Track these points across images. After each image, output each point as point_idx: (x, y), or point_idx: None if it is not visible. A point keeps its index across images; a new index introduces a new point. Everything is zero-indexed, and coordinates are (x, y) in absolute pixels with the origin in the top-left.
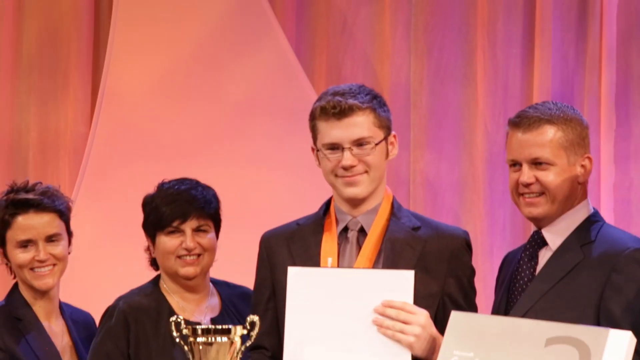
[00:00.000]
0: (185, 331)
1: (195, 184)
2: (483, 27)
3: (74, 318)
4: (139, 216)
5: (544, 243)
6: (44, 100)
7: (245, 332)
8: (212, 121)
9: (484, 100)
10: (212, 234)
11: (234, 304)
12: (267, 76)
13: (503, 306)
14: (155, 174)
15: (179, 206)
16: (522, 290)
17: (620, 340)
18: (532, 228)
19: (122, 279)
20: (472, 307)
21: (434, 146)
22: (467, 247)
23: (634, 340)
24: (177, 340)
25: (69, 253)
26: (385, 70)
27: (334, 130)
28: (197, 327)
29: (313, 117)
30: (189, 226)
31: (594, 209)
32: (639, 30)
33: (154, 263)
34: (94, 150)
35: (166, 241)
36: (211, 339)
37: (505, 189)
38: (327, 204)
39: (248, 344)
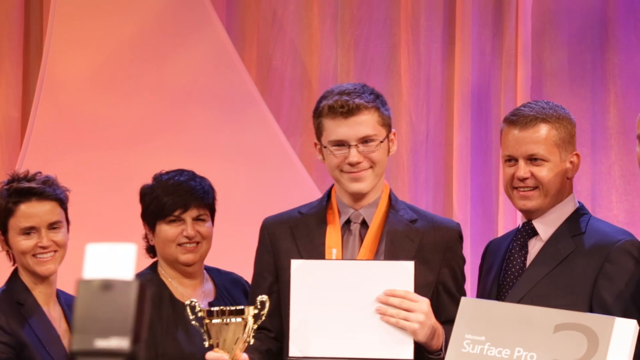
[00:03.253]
0: (200, 313)
1: (193, 175)
2: (407, 22)
3: (69, 304)
4: (79, 206)
5: (534, 233)
6: None
7: (256, 311)
8: (151, 112)
9: (407, 91)
10: (209, 223)
11: (227, 289)
12: (206, 67)
13: (494, 293)
14: (95, 165)
15: (180, 196)
16: (514, 278)
17: (626, 328)
18: (456, 214)
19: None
20: (462, 293)
21: None
22: (460, 238)
23: (638, 328)
24: (193, 322)
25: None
26: (314, 61)
27: (341, 128)
28: (212, 309)
29: (319, 115)
30: (189, 215)
31: (579, 202)
32: (551, 29)
33: (150, 250)
34: (32, 139)
35: (167, 229)
36: (226, 320)
37: (428, 176)
38: (329, 195)
39: (259, 322)
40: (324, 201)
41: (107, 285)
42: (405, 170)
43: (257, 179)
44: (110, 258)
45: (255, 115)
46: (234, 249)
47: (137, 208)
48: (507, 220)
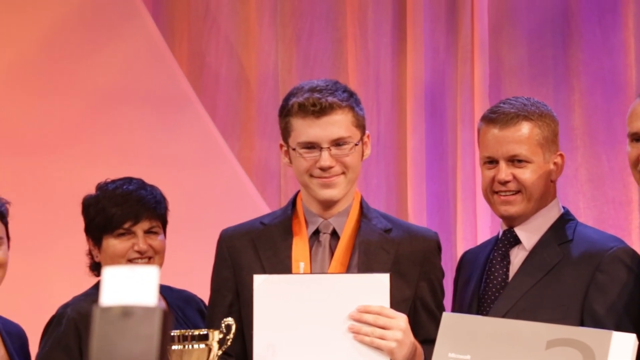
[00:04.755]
0: None
1: (142, 184)
2: (353, 15)
3: (7, 329)
4: None
5: (516, 242)
6: None
7: (221, 336)
8: (74, 113)
9: (355, 90)
10: (162, 236)
11: (180, 308)
12: (134, 63)
13: (474, 308)
14: (14, 171)
15: (130, 207)
16: (496, 291)
17: (624, 342)
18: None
19: None
20: (441, 310)
21: None
22: (438, 249)
23: (637, 342)
24: None
25: None
26: (252, 58)
27: (312, 129)
28: (173, 333)
29: (287, 114)
30: (140, 228)
31: (564, 207)
32: (509, 23)
33: (95, 268)
34: None
35: (116, 244)
36: (188, 345)
37: (380, 183)
38: (293, 203)
39: (224, 348)
40: (289, 210)
41: (127, 313)
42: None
43: (194, 186)
44: (130, 282)
45: (189, 116)
46: (174, 261)
47: (65, 220)
48: (466, 230)
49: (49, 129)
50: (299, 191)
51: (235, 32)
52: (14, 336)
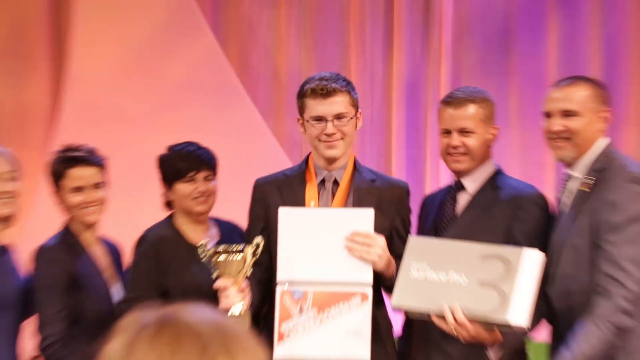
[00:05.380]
0: (209, 252)
1: (198, 146)
2: (355, 31)
3: (110, 245)
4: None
5: (462, 188)
6: (14, 79)
7: (253, 249)
8: (158, 96)
9: (356, 84)
10: (214, 182)
11: (227, 234)
12: (198, 63)
13: (432, 234)
14: (114, 139)
15: (193, 161)
16: (447, 223)
17: (532, 256)
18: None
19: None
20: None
21: None
22: (408, 194)
23: (544, 259)
24: (203, 258)
25: None
26: (282, 61)
27: (320, 106)
28: (219, 248)
29: (303, 96)
30: (201, 176)
31: (497, 165)
32: (467, 34)
33: (168, 205)
34: (62, 121)
35: (184, 187)
36: (230, 257)
37: (372, 147)
38: (306, 161)
39: (255, 257)
40: (303, 166)
41: None
42: (355, 144)
43: (240, 151)
44: None
45: (238, 102)
46: (224, 201)
47: (148, 172)
48: (432, 182)
49: (142, 106)
50: (310, 152)
51: (270, 41)
52: (114, 250)
